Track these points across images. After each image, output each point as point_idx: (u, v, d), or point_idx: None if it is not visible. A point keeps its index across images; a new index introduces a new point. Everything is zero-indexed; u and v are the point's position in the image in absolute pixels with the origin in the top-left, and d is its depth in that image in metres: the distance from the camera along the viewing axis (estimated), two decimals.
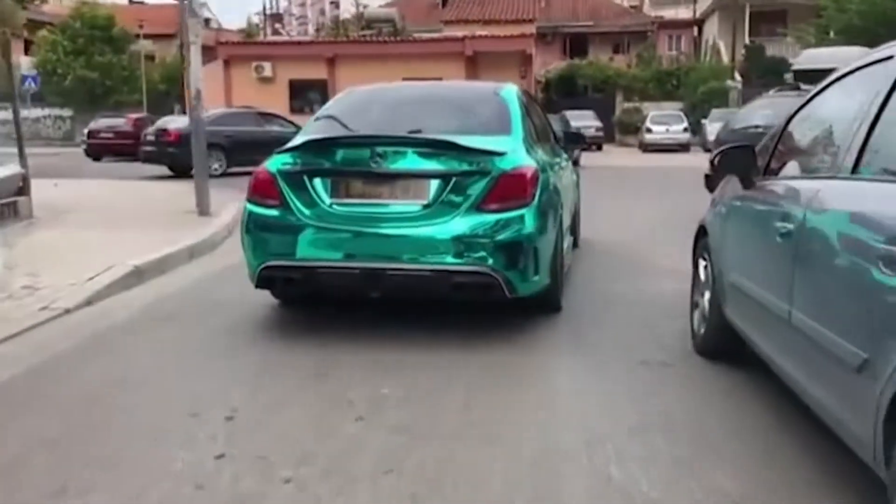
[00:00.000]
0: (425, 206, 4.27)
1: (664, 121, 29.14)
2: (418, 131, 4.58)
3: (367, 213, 4.34)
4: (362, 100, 5.57)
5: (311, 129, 5.11)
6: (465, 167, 4.26)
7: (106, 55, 36.80)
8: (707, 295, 4.10)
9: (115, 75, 36.83)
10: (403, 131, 4.61)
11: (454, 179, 4.24)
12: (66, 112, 36.73)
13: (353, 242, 4.30)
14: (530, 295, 4.45)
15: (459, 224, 4.19)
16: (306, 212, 4.37)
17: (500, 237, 4.19)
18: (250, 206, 4.57)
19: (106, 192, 13.33)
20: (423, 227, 4.23)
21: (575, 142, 7.22)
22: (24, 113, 33.75)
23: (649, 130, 28.59)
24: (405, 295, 4.58)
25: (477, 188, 4.22)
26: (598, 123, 30.08)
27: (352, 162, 4.43)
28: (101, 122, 26.46)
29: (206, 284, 6.21)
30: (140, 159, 20.92)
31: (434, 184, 4.28)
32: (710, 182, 7.04)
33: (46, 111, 36.54)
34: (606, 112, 33.39)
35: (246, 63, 30.03)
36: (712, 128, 27.97)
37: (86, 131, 26.61)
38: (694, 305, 4.40)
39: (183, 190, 11.49)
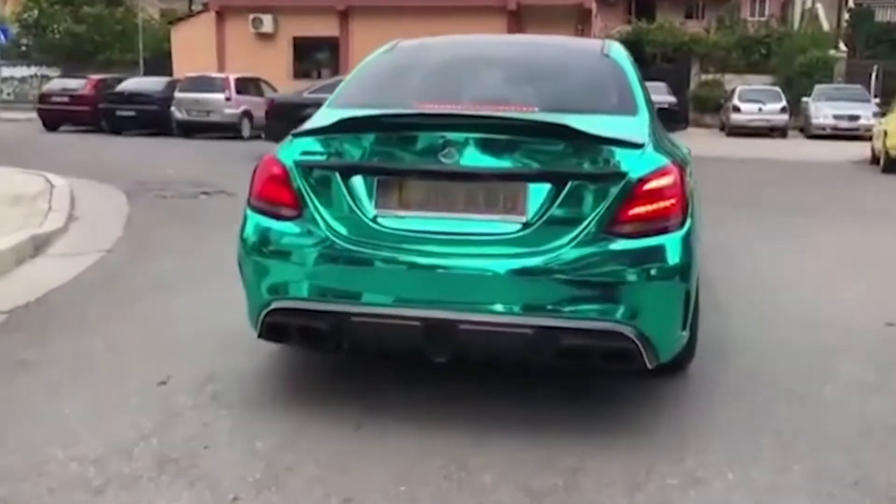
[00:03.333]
0: (523, 227, 2.72)
1: (757, 98, 23.46)
2: (503, 108, 3.11)
3: (431, 233, 2.77)
4: (416, 58, 3.79)
5: (342, 98, 3.44)
6: (586, 167, 2.72)
7: (97, 6, 31.94)
8: None
9: (107, 30, 32.01)
10: (484, 108, 3.09)
11: (569, 185, 2.70)
12: (55, 72, 32.08)
13: (409, 278, 2.75)
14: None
15: (576, 255, 2.67)
16: (338, 228, 2.82)
17: (641, 277, 2.68)
18: (252, 216, 2.98)
19: None
20: (520, 258, 2.69)
21: (675, 121, 4.29)
22: (7, 72, 30.59)
23: (737, 109, 22.96)
24: (485, 360, 2.96)
25: (604, 200, 2.69)
26: (671, 99, 24.52)
27: (410, 153, 2.83)
28: (55, 84, 21.86)
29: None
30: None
31: (538, 191, 2.73)
32: None
33: (34, 70, 32.07)
34: (679, 85, 27.78)
35: (242, 15, 24.91)
36: (818, 108, 22.52)
37: (38, 95, 21.86)
38: None
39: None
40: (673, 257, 2.75)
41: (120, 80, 21.31)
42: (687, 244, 2.78)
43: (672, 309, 2.80)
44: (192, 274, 5.35)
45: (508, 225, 2.77)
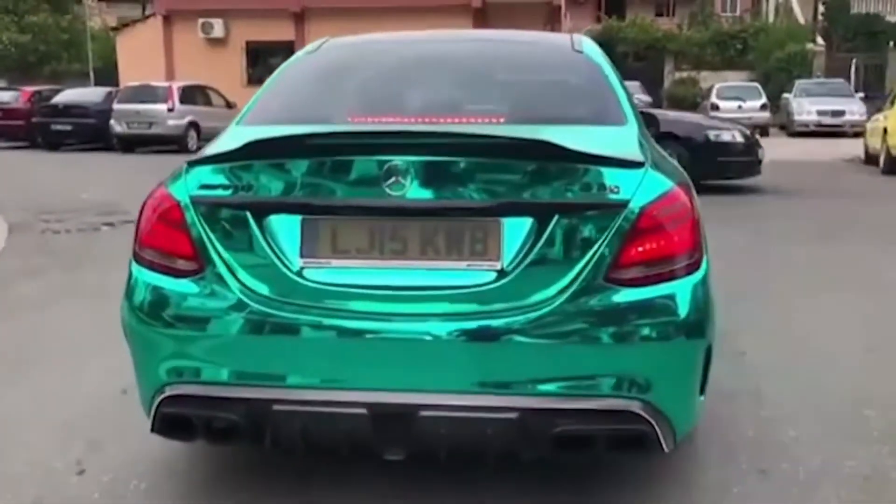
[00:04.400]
0: (499, 275, 2.12)
1: (736, 95, 22.63)
2: (462, 120, 2.61)
3: (376, 288, 2.15)
4: (349, 60, 3.12)
5: (255, 113, 2.76)
6: (575, 194, 2.13)
7: (41, 14, 30.34)
8: None
9: (53, 39, 30.43)
10: (438, 121, 2.54)
11: (555, 220, 2.12)
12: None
13: (350, 350, 2.14)
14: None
15: (569, 311, 2.09)
16: (252, 285, 2.18)
17: (653, 335, 2.11)
18: (139, 271, 2.31)
19: None
20: (496, 317, 2.10)
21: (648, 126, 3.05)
22: None
23: (716, 107, 21.92)
24: (455, 454, 2.22)
25: (600, 237, 2.12)
26: (647, 98, 23.81)
27: (344, 185, 2.20)
28: None
29: None
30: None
31: (515, 228, 2.14)
32: None
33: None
34: (653, 84, 27.03)
35: (191, 20, 23.52)
36: (800, 104, 21.56)
37: None
38: None
39: None
40: (691, 307, 2.17)
41: (57, 92, 19.84)
42: (706, 288, 2.23)
43: (692, 373, 2.23)
44: (39, 346, 4.05)
45: (479, 274, 2.15)
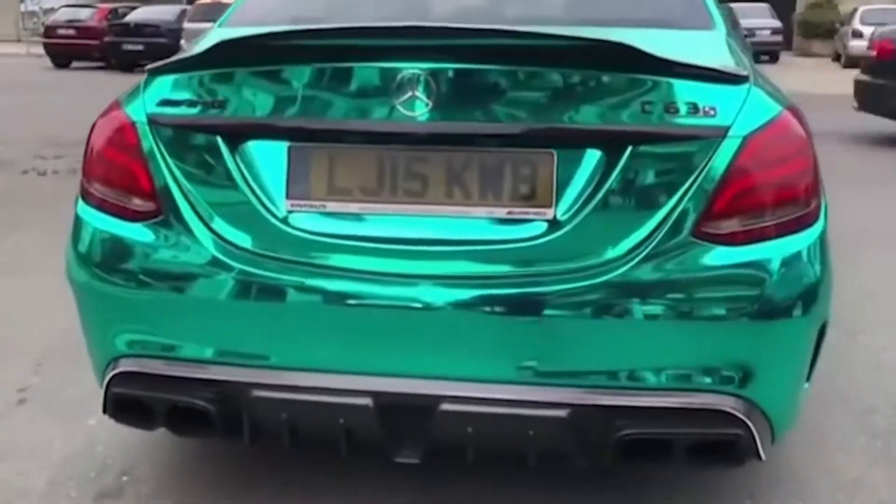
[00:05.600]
0: (551, 226, 1.70)
1: (884, 21, 19.30)
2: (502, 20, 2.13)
3: (385, 242, 1.74)
4: None
5: (242, 12, 2.37)
6: (658, 118, 1.67)
7: None
8: None
9: None
10: (469, 19, 2.20)
11: (629, 152, 1.68)
12: (99, 1, 30.29)
13: (350, 322, 1.74)
14: None
15: (644, 277, 1.66)
16: (225, 233, 1.78)
17: (757, 311, 1.68)
18: (86, 211, 1.92)
19: None
20: (544, 282, 1.68)
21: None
22: (51, 2, 28.96)
23: (858, 34, 19.11)
24: (485, 458, 1.82)
25: (690, 177, 1.67)
26: (775, 23, 21.24)
27: (345, 101, 1.75)
28: (61, 15, 19.87)
29: None
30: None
31: (574, 164, 1.70)
32: None
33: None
34: (784, 6, 24.51)
35: None
36: None
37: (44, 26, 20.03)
38: None
39: None
40: (805, 272, 1.71)
41: (133, 9, 19.08)
42: (824, 246, 1.76)
43: (802, 359, 1.78)
44: None
45: (523, 224, 1.69)
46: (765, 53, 20.25)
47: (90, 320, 1.92)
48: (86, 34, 18.69)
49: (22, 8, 29.20)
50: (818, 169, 1.79)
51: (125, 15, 18.81)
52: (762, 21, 20.25)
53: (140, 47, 17.38)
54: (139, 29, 17.77)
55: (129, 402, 1.85)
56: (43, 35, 19.66)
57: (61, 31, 18.97)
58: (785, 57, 22.76)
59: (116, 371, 1.83)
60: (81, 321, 1.94)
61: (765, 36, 19.79)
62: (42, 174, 6.54)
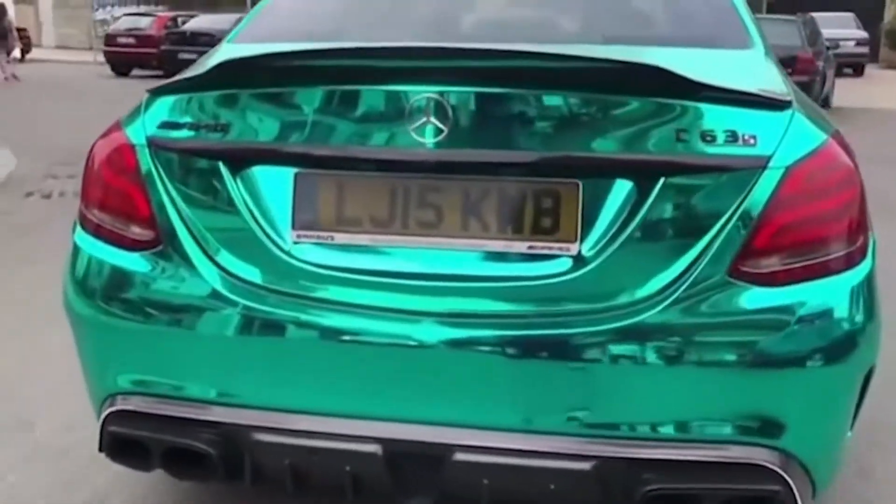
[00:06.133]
0: (575, 263, 1.61)
1: None
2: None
3: (397, 276, 1.67)
4: None
5: (252, 28, 2.31)
6: (692, 146, 1.57)
7: None
8: None
9: None
10: (491, 37, 2.13)
11: (662, 184, 1.59)
12: (161, 10, 30.77)
13: (357, 363, 1.67)
14: None
15: (675, 320, 1.57)
16: (226, 264, 1.73)
17: (797, 359, 1.60)
18: (84, 238, 1.88)
19: None
20: (567, 324, 1.60)
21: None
22: (120, 11, 29.61)
23: None
24: None
25: (728, 211, 1.57)
26: (861, 34, 20.03)
27: (356, 126, 1.68)
28: (122, 23, 19.95)
29: None
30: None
31: (602, 195, 1.62)
32: None
33: (143, 8, 30.59)
34: (871, 15, 23.39)
35: None
36: None
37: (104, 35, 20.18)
38: None
39: None
40: (852, 315, 1.60)
41: (193, 17, 19.04)
42: (872, 286, 1.66)
43: (845, 408, 1.67)
44: None
45: (546, 260, 1.61)
46: (849, 66, 19.25)
47: (86, 354, 1.86)
48: (145, 43, 18.70)
49: (95, 16, 29.73)
50: (865, 202, 1.68)
51: (184, 23, 18.73)
52: (846, 31, 19.30)
53: (195, 56, 17.04)
54: (195, 38, 17.61)
55: (125, 441, 1.78)
56: (104, 43, 19.75)
57: (121, 40, 19.03)
58: (871, 70, 21.72)
59: (113, 409, 1.78)
60: (78, 354, 1.88)
61: (849, 47, 18.74)
62: (46, 196, 6.14)
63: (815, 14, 14.43)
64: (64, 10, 32.36)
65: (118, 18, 25.86)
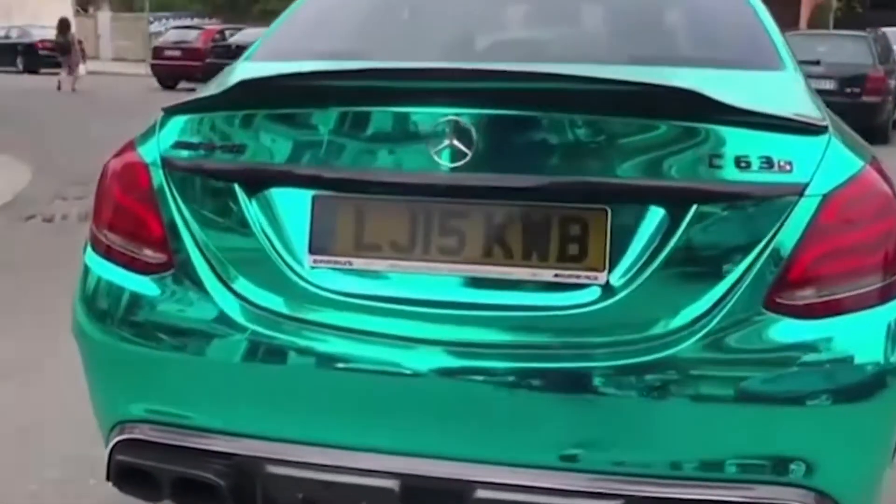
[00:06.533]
0: (604, 292, 1.60)
1: None
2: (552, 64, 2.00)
3: (418, 304, 1.65)
4: None
5: (272, 46, 2.32)
6: (725, 173, 1.57)
7: None
8: None
9: None
10: (513, 55, 2.19)
11: (693, 213, 1.57)
12: (214, 23, 31.18)
13: (376, 395, 1.66)
14: None
15: (707, 355, 1.56)
16: (240, 289, 1.73)
17: (832, 395, 1.57)
18: (94, 259, 1.88)
19: None
20: (594, 357, 1.58)
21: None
22: (174, 23, 30.04)
23: None
24: None
25: (761, 240, 1.56)
26: None
27: (376, 149, 1.69)
28: (170, 36, 20.12)
29: None
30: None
31: (632, 223, 1.61)
32: None
33: (195, 21, 31.00)
34: None
35: None
36: None
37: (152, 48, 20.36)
38: None
39: None
40: (890, 351, 1.57)
41: (239, 30, 19.05)
42: None
43: (885, 444, 1.65)
44: None
45: (572, 289, 1.59)
46: None
47: (95, 379, 1.87)
48: (191, 56, 18.80)
49: (150, 28, 30.20)
50: None
51: (231, 37, 18.76)
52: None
53: None
54: (239, 51, 17.54)
55: (133, 470, 1.78)
56: (151, 56, 19.89)
57: (168, 53, 19.16)
58: None
59: (122, 437, 1.78)
60: (87, 379, 1.88)
61: None
62: (48, 220, 5.87)
63: (886, 29, 13.63)
64: (121, 23, 33.02)
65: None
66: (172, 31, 20.96)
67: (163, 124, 1.78)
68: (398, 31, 2.38)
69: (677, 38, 2.31)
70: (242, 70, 2.07)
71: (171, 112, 1.78)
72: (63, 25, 19.38)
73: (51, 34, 24.16)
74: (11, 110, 12.04)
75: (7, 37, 25.52)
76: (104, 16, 34.62)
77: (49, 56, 23.31)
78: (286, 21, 2.38)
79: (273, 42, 2.28)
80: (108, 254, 1.80)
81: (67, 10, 28.68)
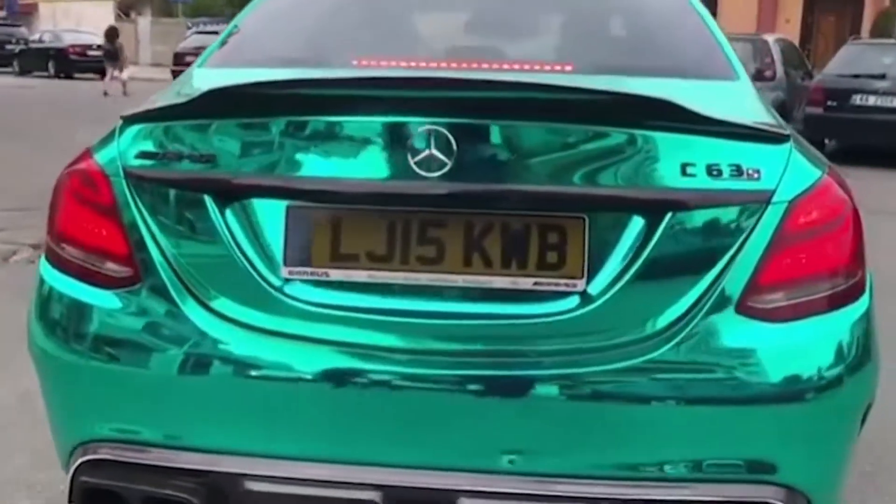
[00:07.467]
0: (582, 301, 1.64)
1: None
2: (517, 67, 2.23)
3: (395, 315, 1.66)
4: None
5: (227, 50, 2.33)
6: (698, 181, 1.64)
7: None
8: None
9: None
10: (483, 65, 2.20)
11: (668, 220, 1.64)
12: None
13: (354, 407, 1.67)
14: None
15: (682, 358, 1.63)
16: (212, 302, 1.70)
17: (804, 397, 1.69)
18: (50, 273, 1.83)
19: None
20: (573, 363, 1.63)
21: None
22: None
23: None
24: None
25: (732, 246, 1.65)
26: None
27: (350, 158, 1.68)
28: (190, 42, 20.44)
29: None
30: None
31: (607, 232, 1.66)
32: None
33: (221, 28, 31.37)
34: None
35: None
36: None
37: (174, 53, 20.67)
38: None
39: None
40: (854, 350, 1.68)
41: None
42: (871, 321, 1.75)
43: (849, 441, 1.74)
44: None
45: (551, 298, 1.63)
46: None
47: (53, 399, 1.79)
48: None
49: (186, 34, 30.48)
50: (863, 236, 1.73)
51: None
52: None
53: None
54: None
55: (99, 492, 1.71)
56: (172, 62, 20.00)
57: (188, 59, 19.30)
58: None
59: (86, 458, 1.70)
60: (44, 399, 1.81)
61: None
62: (31, 262, 4.82)
63: None
64: (159, 27, 33.44)
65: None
66: (193, 36, 21.27)
67: (122, 132, 1.73)
68: (352, 34, 2.37)
69: (637, 48, 2.32)
70: (202, 77, 2.05)
71: (131, 120, 1.73)
72: (112, 33, 19.76)
73: (86, 39, 24.52)
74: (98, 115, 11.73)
75: (40, 40, 25.96)
76: (144, 21, 35.12)
77: (81, 60, 23.62)
78: (240, 26, 2.37)
79: (227, 48, 2.26)
80: (65, 267, 1.75)
81: (109, 16, 29.12)
